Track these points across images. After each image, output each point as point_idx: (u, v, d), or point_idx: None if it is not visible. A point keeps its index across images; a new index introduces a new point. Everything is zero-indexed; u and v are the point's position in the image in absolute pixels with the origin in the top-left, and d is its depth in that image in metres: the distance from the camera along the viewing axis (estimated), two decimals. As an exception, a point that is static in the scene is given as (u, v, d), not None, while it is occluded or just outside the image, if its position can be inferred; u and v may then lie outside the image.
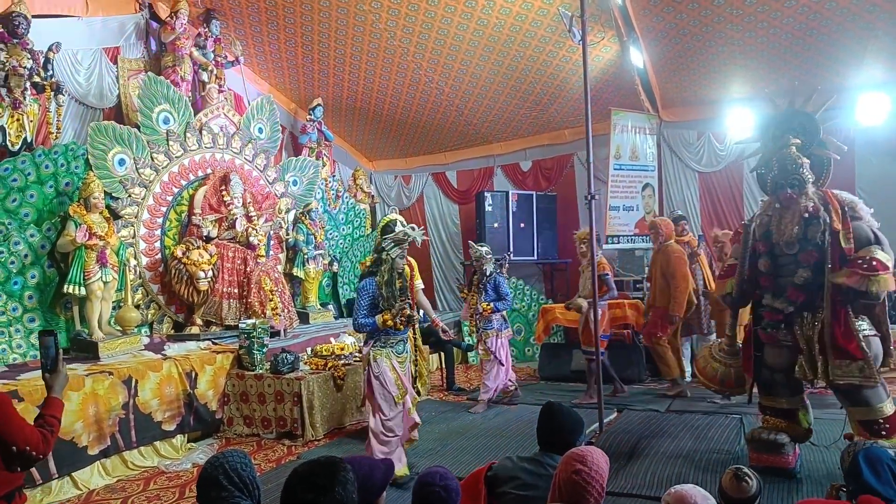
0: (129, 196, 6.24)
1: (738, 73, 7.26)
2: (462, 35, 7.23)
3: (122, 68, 6.77)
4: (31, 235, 5.38)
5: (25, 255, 5.33)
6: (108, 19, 6.58)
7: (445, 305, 10.09)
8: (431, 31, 7.20)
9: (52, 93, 5.56)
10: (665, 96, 8.08)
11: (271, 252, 7.40)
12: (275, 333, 6.40)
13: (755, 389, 4.11)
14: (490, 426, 5.52)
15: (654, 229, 6.36)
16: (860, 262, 3.55)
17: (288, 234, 7.76)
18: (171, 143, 6.65)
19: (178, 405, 5.24)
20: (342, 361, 5.87)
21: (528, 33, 7.11)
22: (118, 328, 5.64)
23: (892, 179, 6.83)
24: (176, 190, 6.74)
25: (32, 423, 2.34)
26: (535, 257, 9.22)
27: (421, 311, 5.03)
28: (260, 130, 7.79)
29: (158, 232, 6.57)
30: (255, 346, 5.69)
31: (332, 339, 6.59)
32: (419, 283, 5.03)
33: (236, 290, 6.63)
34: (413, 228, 4.27)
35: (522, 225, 9.08)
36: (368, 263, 4.46)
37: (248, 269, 6.69)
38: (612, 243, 8.22)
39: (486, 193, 9.07)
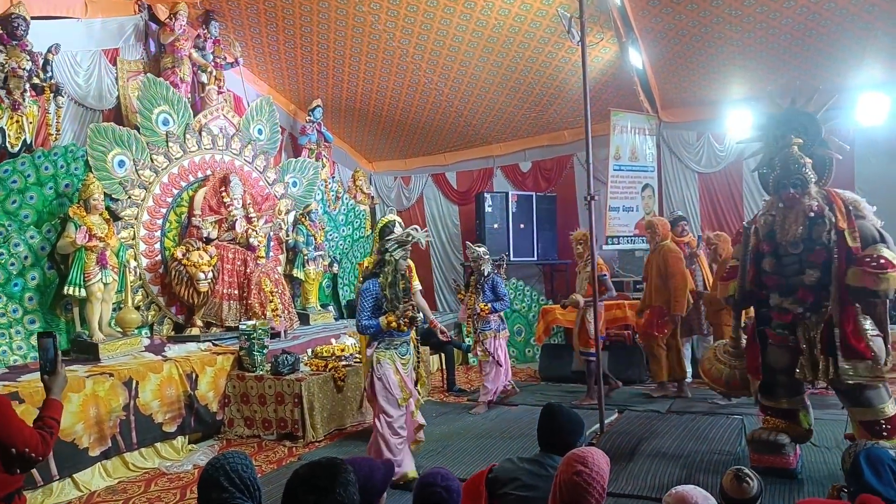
0: (129, 197, 6.24)
1: (737, 74, 7.27)
2: (461, 36, 7.24)
3: (122, 70, 6.77)
4: (31, 237, 5.38)
5: (25, 257, 5.33)
6: (107, 21, 6.58)
7: (445, 306, 10.09)
8: (430, 31, 7.20)
9: (52, 94, 5.56)
10: (664, 97, 8.09)
11: (271, 253, 7.40)
12: (275, 335, 6.40)
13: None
14: (490, 427, 5.52)
15: (650, 229, 6.36)
16: (868, 260, 3.54)
17: (288, 236, 7.76)
18: (170, 144, 6.65)
19: (179, 406, 5.24)
20: (343, 362, 5.87)
21: (526, 34, 7.11)
22: (118, 330, 5.63)
23: (892, 179, 6.84)
24: (176, 191, 6.73)
25: (32, 425, 2.33)
26: (535, 258, 9.23)
27: (420, 313, 5.02)
28: (259, 132, 7.79)
29: (158, 233, 6.57)
30: (256, 347, 5.69)
31: (332, 341, 6.59)
32: (416, 285, 5.03)
33: (236, 292, 6.63)
34: (416, 230, 4.26)
35: (522, 226, 9.08)
36: (367, 264, 4.45)
37: (248, 270, 6.69)
38: (612, 244, 8.23)
39: (485, 194, 9.07)
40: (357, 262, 8.70)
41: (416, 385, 4.39)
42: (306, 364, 5.88)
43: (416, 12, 6.88)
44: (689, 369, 6.53)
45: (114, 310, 5.68)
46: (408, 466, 4.18)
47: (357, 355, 5.98)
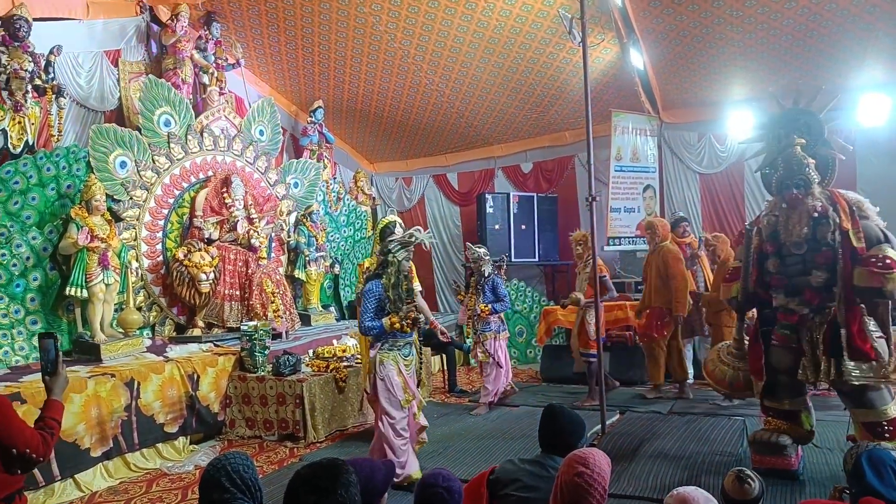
0: (131, 198, 6.25)
1: (738, 75, 7.26)
2: (462, 37, 7.24)
3: (123, 71, 6.77)
4: (33, 238, 5.38)
5: (27, 258, 5.34)
6: (108, 22, 6.59)
7: (447, 307, 10.09)
8: (432, 33, 7.21)
9: (54, 95, 5.56)
10: (665, 98, 8.08)
11: (273, 254, 7.41)
12: (276, 335, 6.40)
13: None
14: (492, 428, 5.52)
15: (650, 230, 6.35)
16: (874, 260, 3.54)
17: (289, 237, 7.76)
18: (172, 145, 6.65)
19: (181, 407, 5.25)
20: (344, 363, 5.87)
21: (528, 35, 7.11)
22: (120, 330, 5.64)
23: (894, 180, 6.83)
24: (177, 192, 6.74)
25: (32, 426, 2.34)
26: (537, 259, 9.23)
27: (421, 315, 5.02)
28: (261, 133, 7.79)
29: (160, 234, 6.58)
30: (257, 348, 5.70)
31: (333, 341, 6.59)
32: (416, 286, 5.03)
33: (238, 293, 6.63)
34: (419, 231, 4.26)
35: (523, 227, 9.08)
36: (367, 265, 4.44)
37: (249, 271, 6.70)
38: (614, 245, 8.22)
39: (487, 195, 9.07)
40: (358, 262, 8.71)
41: (417, 386, 4.39)
42: (308, 365, 5.88)
43: (417, 13, 6.89)
44: (690, 370, 6.53)
45: (115, 311, 5.69)
46: (411, 468, 4.17)
47: (358, 356, 5.99)
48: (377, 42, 7.47)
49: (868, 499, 2.18)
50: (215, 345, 6.10)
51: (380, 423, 4.16)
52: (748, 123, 6.94)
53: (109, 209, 5.79)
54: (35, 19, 5.50)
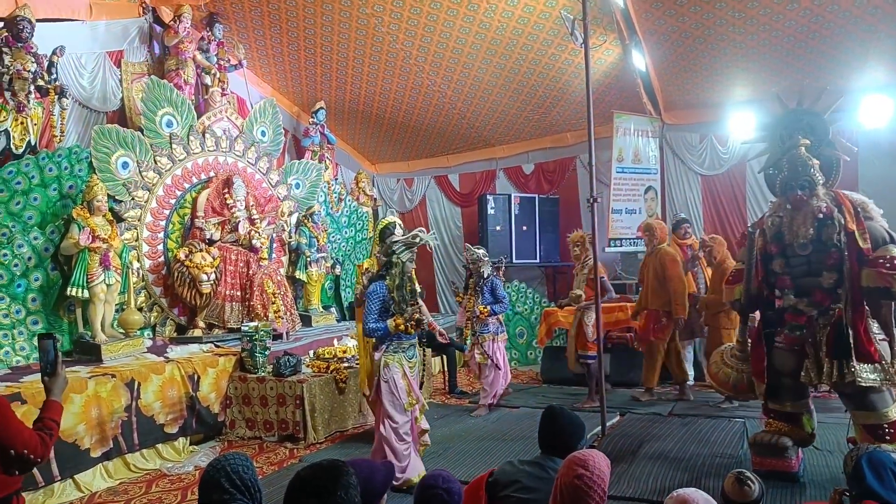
0: (133, 199, 6.26)
1: (740, 76, 7.26)
2: (464, 38, 7.25)
3: (126, 72, 6.80)
4: (35, 238, 5.39)
5: (29, 258, 5.35)
6: (111, 23, 6.60)
7: (448, 308, 10.08)
8: (434, 34, 7.21)
9: (56, 96, 5.58)
10: (667, 99, 8.08)
11: (274, 255, 7.41)
12: (277, 336, 6.40)
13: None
14: (492, 430, 5.52)
15: (648, 231, 6.36)
16: (882, 261, 3.53)
17: (290, 237, 7.77)
18: (174, 146, 6.66)
19: (181, 408, 5.25)
20: (344, 364, 5.87)
21: (530, 36, 7.12)
22: (121, 331, 5.65)
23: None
24: (179, 193, 6.75)
25: (31, 427, 2.33)
26: (538, 260, 9.22)
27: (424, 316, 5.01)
28: (263, 133, 7.80)
29: (161, 235, 6.58)
30: (258, 348, 5.70)
31: (334, 342, 6.59)
32: (416, 288, 5.02)
33: (239, 293, 6.64)
34: (422, 231, 4.25)
35: (525, 228, 9.08)
36: (366, 266, 4.43)
37: (250, 271, 6.70)
38: (615, 246, 8.21)
39: (488, 196, 9.07)
40: (357, 264, 8.72)
41: (420, 388, 4.37)
42: (308, 366, 5.88)
43: (419, 15, 6.89)
44: (691, 372, 6.52)
45: (116, 311, 5.70)
46: (412, 472, 4.13)
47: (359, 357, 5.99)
48: (379, 43, 7.48)
49: (868, 502, 2.17)
50: (216, 345, 6.10)
51: (381, 428, 4.13)
52: (750, 125, 6.94)
53: (111, 210, 5.80)
54: (38, 20, 5.52)
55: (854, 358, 3.54)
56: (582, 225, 8.61)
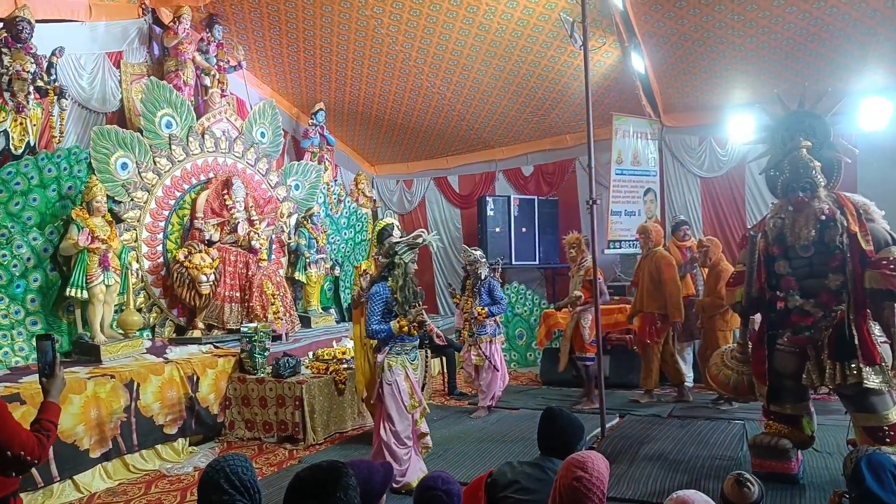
0: (132, 200, 6.26)
1: (739, 79, 7.27)
2: (464, 40, 7.25)
3: (125, 73, 6.79)
4: (34, 239, 5.39)
5: (28, 259, 5.34)
6: (111, 24, 6.60)
7: (447, 310, 10.07)
8: (433, 36, 7.22)
9: (56, 97, 5.58)
10: (666, 101, 8.09)
11: (273, 256, 7.41)
12: (276, 337, 6.40)
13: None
14: (491, 431, 5.52)
15: (644, 234, 6.39)
16: (886, 263, 3.53)
17: (290, 238, 7.76)
18: (173, 147, 6.66)
19: (180, 409, 5.24)
20: (344, 365, 5.87)
21: (529, 38, 7.12)
22: (120, 331, 5.65)
23: (895, 184, 6.82)
24: (178, 194, 6.75)
25: (29, 428, 2.33)
26: (537, 262, 9.22)
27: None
28: (262, 135, 7.80)
29: (161, 236, 6.58)
30: (257, 349, 5.70)
31: (333, 343, 6.59)
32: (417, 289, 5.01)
33: (238, 294, 6.63)
34: (424, 232, 4.24)
35: (524, 230, 9.08)
36: (364, 268, 4.42)
37: (249, 272, 6.70)
38: (614, 248, 8.21)
39: (487, 198, 9.07)
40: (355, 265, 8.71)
41: (421, 390, 4.35)
42: (307, 367, 5.88)
43: (419, 16, 6.90)
44: (690, 374, 6.52)
45: (116, 312, 5.69)
46: (412, 476, 4.10)
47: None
48: (379, 45, 7.49)
49: (868, 504, 2.17)
50: (215, 346, 6.10)
51: (381, 431, 4.10)
52: (749, 127, 6.95)
53: (110, 210, 5.79)
54: (37, 21, 5.52)
55: (861, 360, 3.54)
56: (581, 227, 8.62)
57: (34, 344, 4.93)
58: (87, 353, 5.32)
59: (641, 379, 6.39)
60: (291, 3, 6.94)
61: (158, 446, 5.04)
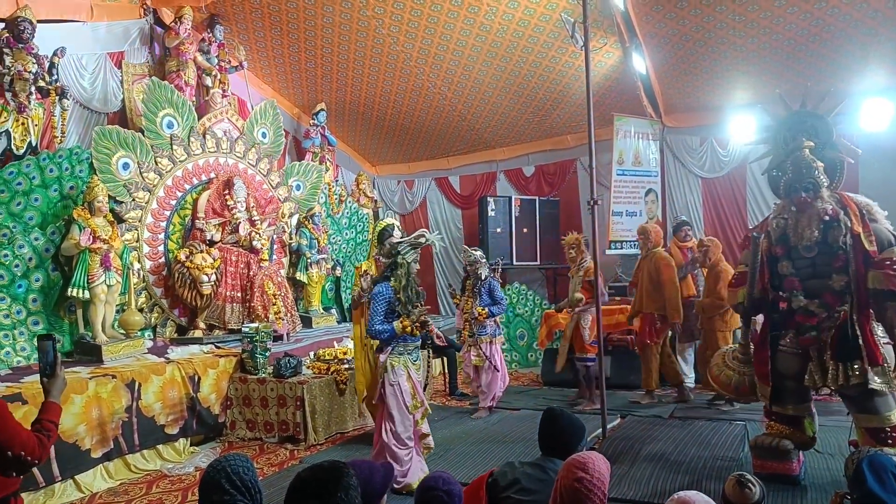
0: (133, 200, 6.26)
1: (740, 79, 7.27)
2: (465, 41, 7.25)
3: (127, 73, 6.80)
4: (36, 239, 5.40)
5: (30, 259, 5.35)
6: (112, 24, 6.61)
7: (448, 310, 10.07)
8: (434, 36, 7.22)
9: (57, 97, 5.59)
10: (668, 102, 8.09)
11: (274, 256, 7.42)
12: (278, 337, 6.41)
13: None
14: (492, 431, 5.52)
15: (643, 235, 6.39)
16: (889, 263, 3.53)
17: (291, 239, 7.77)
18: (174, 147, 6.67)
19: (181, 409, 5.25)
20: (345, 366, 5.86)
21: (530, 39, 7.12)
22: (122, 331, 5.65)
23: (896, 185, 6.82)
24: (179, 194, 6.76)
25: (30, 428, 2.33)
26: (538, 262, 9.22)
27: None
28: (263, 135, 7.81)
29: (162, 236, 6.59)
30: (258, 350, 5.70)
31: (334, 344, 6.59)
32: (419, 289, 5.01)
33: (239, 294, 6.64)
34: (426, 232, 4.23)
35: (525, 230, 9.08)
36: (364, 268, 4.41)
37: (251, 273, 6.70)
38: (615, 249, 8.21)
39: (488, 198, 9.07)
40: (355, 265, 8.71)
41: (423, 391, 4.34)
42: (308, 367, 5.88)
43: (419, 17, 6.90)
44: (691, 374, 6.52)
45: (117, 312, 5.70)
46: (413, 477, 4.08)
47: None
48: (380, 45, 7.49)
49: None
50: (216, 346, 6.10)
51: (382, 433, 4.09)
52: (750, 128, 6.95)
53: (112, 210, 5.80)
54: (39, 21, 5.53)
55: (867, 360, 3.54)
56: (582, 227, 8.61)
57: (36, 344, 4.96)
58: (88, 352, 5.33)
59: (642, 380, 6.39)
60: (293, 3, 6.95)
61: (160, 446, 5.04)
